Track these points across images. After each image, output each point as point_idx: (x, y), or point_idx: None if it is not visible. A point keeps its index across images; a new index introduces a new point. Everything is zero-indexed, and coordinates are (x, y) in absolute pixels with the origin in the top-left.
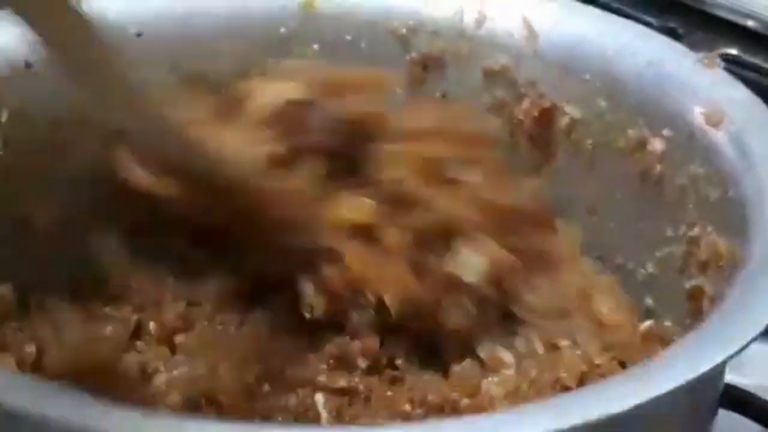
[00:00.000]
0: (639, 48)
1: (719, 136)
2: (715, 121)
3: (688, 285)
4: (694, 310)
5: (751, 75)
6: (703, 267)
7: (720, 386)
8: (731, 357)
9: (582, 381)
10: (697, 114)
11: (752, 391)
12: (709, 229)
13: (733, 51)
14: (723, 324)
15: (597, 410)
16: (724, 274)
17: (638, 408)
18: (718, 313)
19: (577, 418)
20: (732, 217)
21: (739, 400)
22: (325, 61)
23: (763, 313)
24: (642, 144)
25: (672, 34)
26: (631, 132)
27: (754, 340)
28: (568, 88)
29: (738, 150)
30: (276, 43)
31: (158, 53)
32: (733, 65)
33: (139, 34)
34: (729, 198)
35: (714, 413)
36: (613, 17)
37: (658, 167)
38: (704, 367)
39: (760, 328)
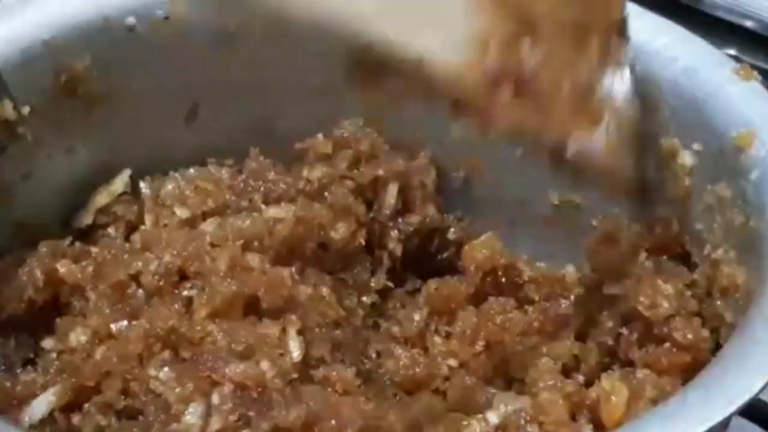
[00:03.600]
0: (678, 52)
1: (748, 158)
2: (744, 142)
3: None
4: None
5: None
6: (724, 292)
7: None
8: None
9: None
10: (728, 132)
11: None
12: (732, 254)
13: (732, 51)
14: (729, 376)
15: None
16: (740, 305)
17: None
18: (723, 361)
19: None
20: (752, 246)
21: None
22: None
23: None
24: (673, 155)
25: None
26: (663, 140)
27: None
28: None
29: (765, 174)
30: None
31: None
32: None
33: None
34: (751, 227)
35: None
36: (654, 16)
37: (687, 181)
38: (718, 416)
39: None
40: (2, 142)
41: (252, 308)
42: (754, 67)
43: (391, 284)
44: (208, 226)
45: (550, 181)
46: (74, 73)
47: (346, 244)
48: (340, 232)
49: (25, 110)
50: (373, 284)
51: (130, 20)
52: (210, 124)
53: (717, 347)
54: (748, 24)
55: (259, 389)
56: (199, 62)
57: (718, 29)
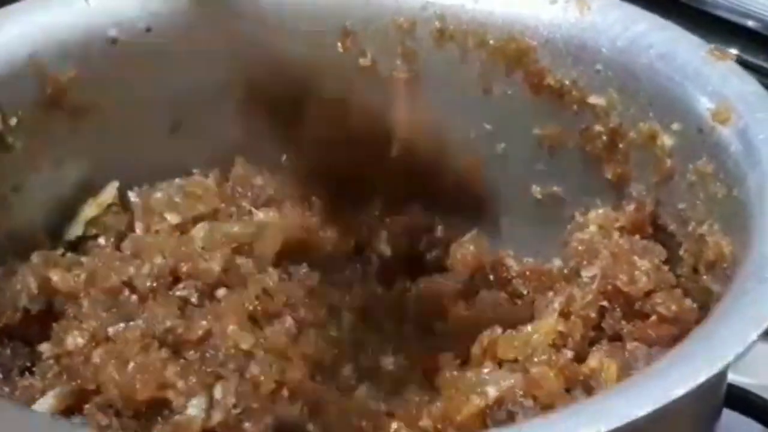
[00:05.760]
0: (653, 39)
1: (726, 132)
2: (722, 118)
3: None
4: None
5: (752, 75)
6: (711, 266)
7: (723, 387)
8: (736, 359)
9: None
10: (705, 109)
11: (754, 390)
12: (716, 227)
13: (734, 51)
14: (722, 327)
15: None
16: (727, 274)
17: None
18: (715, 316)
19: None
20: (736, 216)
21: (741, 400)
22: None
23: (761, 316)
24: (653, 137)
25: None
26: (642, 125)
27: (753, 344)
28: (581, 77)
29: (744, 146)
30: None
31: None
32: None
33: None
34: (734, 197)
35: (719, 413)
36: (629, 6)
37: (669, 162)
38: (705, 374)
39: (759, 331)
40: None
41: None
42: (755, 66)
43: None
44: (198, 231)
45: (531, 176)
46: (59, 85)
47: (335, 247)
48: (328, 234)
49: (13, 121)
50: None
51: (112, 32)
52: (194, 135)
53: None
54: (750, 23)
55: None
56: (182, 74)
57: (719, 28)
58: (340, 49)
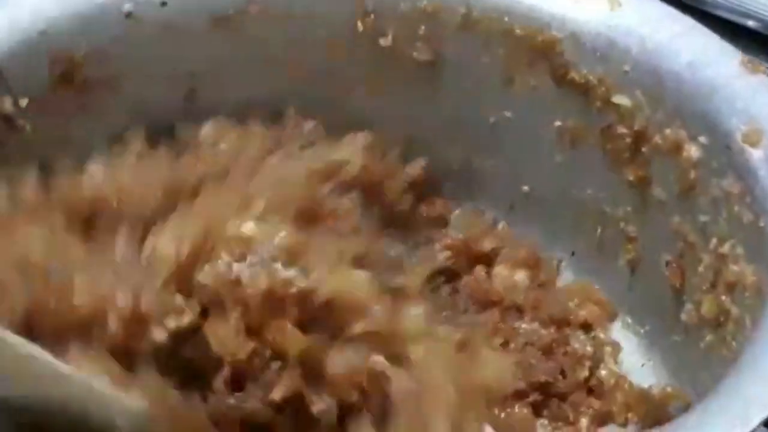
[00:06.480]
0: (683, 44)
1: (756, 155)
2: (752, 140)
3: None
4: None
5: None
6: (731, 287)
7: None
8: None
9: None
10: (736, 128)
11: None
12: (739, 251)
13: None
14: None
15: None
16: (748, 302)
17: None
18: (735, 377)
19: None
20: (762, 247)
21: None
22: None
23: None
24: (678, 147)
25: None
26: (668, 132)
27: None
28: (607, 75)
29: None
30: None
31: None
32: None
33: None
34: (761, 227)
35: None
36: (661, 6)
37: (693, 173)
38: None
39: None
40: (2, 136)
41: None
42: None
43: None
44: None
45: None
46: (72, 62)
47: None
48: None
49: (24, 102)
50: None
51: (128, 6)
52: (209, 109)
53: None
54: (750, 23)
55: None
56: (197, 47)
57: (719, 29)
58: (360, 29)
